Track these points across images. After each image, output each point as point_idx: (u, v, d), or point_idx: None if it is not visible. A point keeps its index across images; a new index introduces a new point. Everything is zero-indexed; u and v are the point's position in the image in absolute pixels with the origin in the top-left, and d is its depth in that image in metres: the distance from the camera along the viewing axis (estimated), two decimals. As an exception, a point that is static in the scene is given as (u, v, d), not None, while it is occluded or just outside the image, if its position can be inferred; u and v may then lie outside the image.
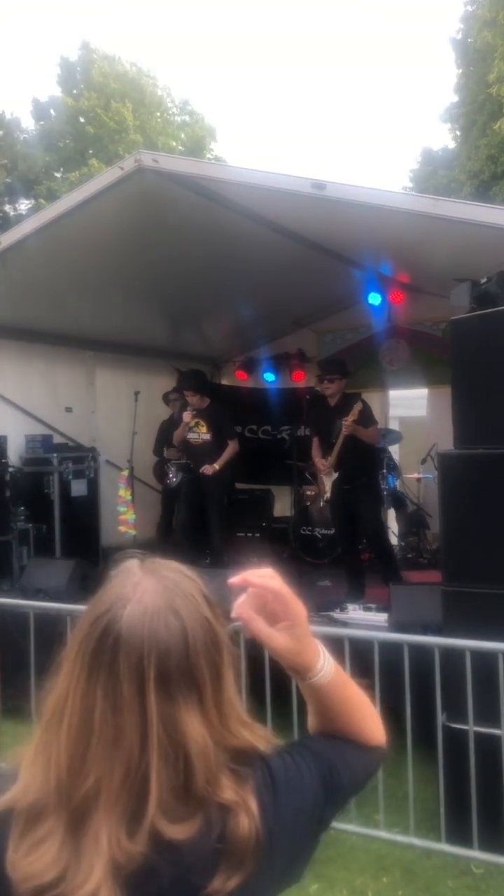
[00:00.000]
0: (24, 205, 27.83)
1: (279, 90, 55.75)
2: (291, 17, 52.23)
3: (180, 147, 28.19)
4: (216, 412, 6.95)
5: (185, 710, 0.89)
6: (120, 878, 0.84)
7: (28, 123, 29.08)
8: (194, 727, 0.89)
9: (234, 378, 10.01)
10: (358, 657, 3.65)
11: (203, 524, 7.17)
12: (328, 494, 6.25)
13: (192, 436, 6.86)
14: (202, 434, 6.86)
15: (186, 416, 6.85)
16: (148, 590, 0.92)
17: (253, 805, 0.92)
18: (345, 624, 5.01)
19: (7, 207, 28.28)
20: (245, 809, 0.90)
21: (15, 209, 28.19)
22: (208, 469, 6.81)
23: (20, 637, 4.59)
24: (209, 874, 0.87)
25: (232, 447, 6.95)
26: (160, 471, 8.09)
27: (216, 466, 6.83)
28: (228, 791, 0.90)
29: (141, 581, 0.93)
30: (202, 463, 6.87)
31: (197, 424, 6.83)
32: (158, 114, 28.72)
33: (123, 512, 7.73)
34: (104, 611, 0.91)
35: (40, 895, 0.84)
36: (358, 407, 5.87)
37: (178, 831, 0.87)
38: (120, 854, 0.84)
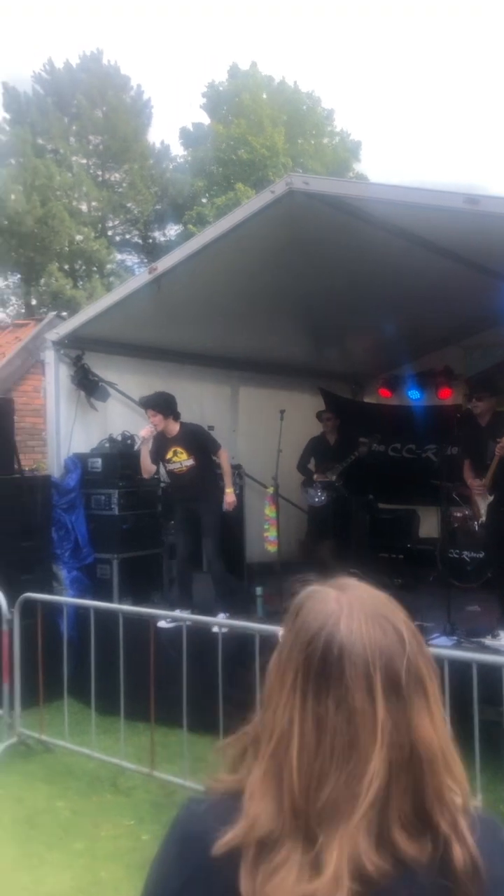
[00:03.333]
0: (172, 230, 28.97)
1: (425, 98, 54.78)
2: (440, 22, 51.33)
3: (323, 169, 28.42)
4: (190, 434, 6.31)
5: (416, 712, 0.90)
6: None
7: (178, 150, 30.33)
8: (425, 729, 0.89)
9: (378, 396, 9.92)
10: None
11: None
12: (483, 517, 6.03)
13: (173, 466, 6.31)
14: (184, 461, 6.25)
15: (144, 432, 6.17)
16: (352, 602, 0.94)
17: (468, 838, 0.89)
18: (497, 651, 4.82)
19: (157, 233, 29.56)
20: (460, 839, 0.88)
21: (164, 234, 29.42)
22: (230, 500, 6.32)
23: (172, 650, 4.74)
24: None
25: (225, 460, 6.36)
26: (306, 489, 8.10)
27: (230, 491, 6.30)
28: (447, 812, 0.90)
29: (339, 597, 0.95)
30: (190, 492, 6.31)
31: (175, 453, 6.25)
32: (301, 140, 29.04)
33: (266, 529, 7.81)
34: (318, 629, 0.92)
35: None
36: (511, 426, 5.65)
37: (414, 849, 0.86)
38: (370, 869, 0.83)
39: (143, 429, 6.25)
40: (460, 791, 0.93)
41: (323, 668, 0.90)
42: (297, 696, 0.91)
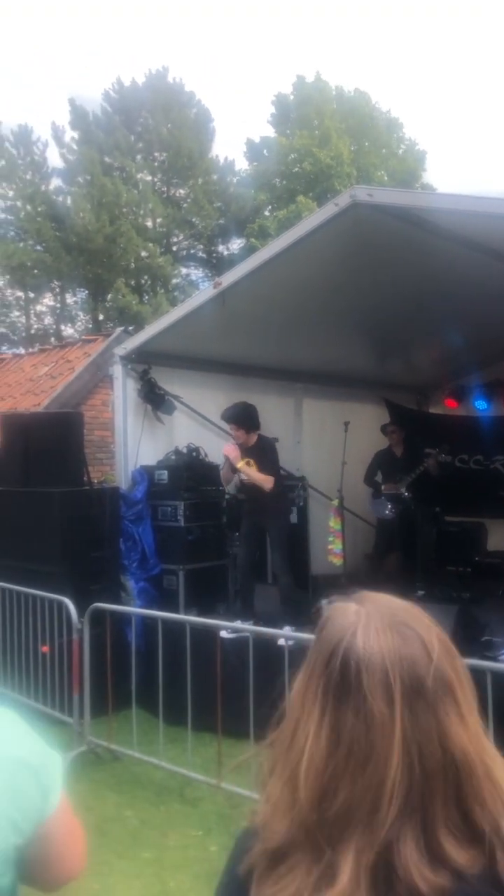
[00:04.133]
0: (236, 244, 29.24)
1: (493, 106, 54.01)
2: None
3: (389, 180, 28.31)
4: (263, 447, 6.27)
5: (446, 719, 0.89)
6: None
7: (242, 164, 30.63)
8: (458, 735, 0.89)
9: (444, 406, 9.78)
10: None
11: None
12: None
13: (244, 476, 6.29)
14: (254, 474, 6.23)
15: (227, 449, 6.23)
16: (370, 613, 0.95)
17: None
18: None
19: (221, 247, 29.88)
20: None
21: (227, 248, 29.71)
22: (227, 448, 6.21)
23: (238, 661, 4.75)
24: None
25: (268, 483, 6.14)
26: (375, 502, 8.03)
27: (243, 464, 6.14)
28: (490, 820, 0.88)
29: (359, 609, 0.96)
30: (259, 502, 6.28)
31: (248, 464, 6.20)
32: (367, 147, 28.96)
33: (331, 542, 7.78)
34: (337, 642, 0.93)
35: None
36: None
37: (466, 859, 0.85)
38: (422, 887, 0.82)
39: (227, 447, 6.29)
40: None
41: (342, 679, 0.90)
42: (316, 708, 0.92)
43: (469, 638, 5.48)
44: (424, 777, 0.86)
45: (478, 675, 3.57)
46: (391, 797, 0.85)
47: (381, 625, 0.93)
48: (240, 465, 6.15)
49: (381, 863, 0.84)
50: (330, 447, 8.23)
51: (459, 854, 0.85)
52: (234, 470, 6.30)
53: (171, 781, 4.80)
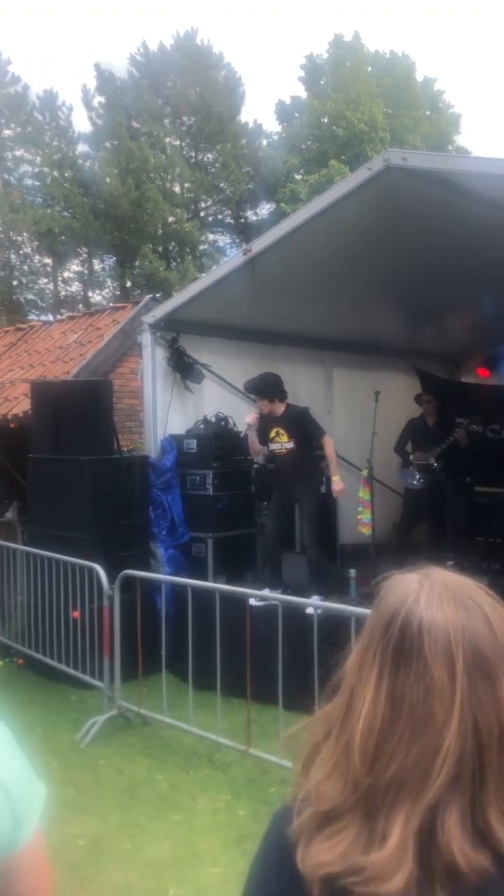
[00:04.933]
0: (265, 209, 28.88)
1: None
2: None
3: (422, 144, 27.69)
4: (294, 416, 6.27)
5: (503, 692, 0.87)
6: (439, 880, 0.82)
7: (272, 127, 30.11)
8: None
9: (476, 375, 9.64)
10: None
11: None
12: None
13: (274, 446, 6.30)
14: (284, 444, 6.23)
15: (250, 419, 6.26)
16: (434, 583, 0.94)
17: None
18: None
19: (249, 213, 29.53)
20: None
21: (256, 214, 29.36)
22: (338, 488, 6.19)
23: (267, 629, 4.78)
24: None
25: (329, 447, 6.24)
26: (404, 472, 7.97)
27: (337, 479, 6.20)
28: None
29: (422, 580, 0.95)
30: (290, 474, 6.27)
31: (277, 434, 6.23)
32: (401, 111, 28.26)
33: (360, 512, 7.75)
34: (397, 607, 0.92)
35: (334, 883, 0.84)
36: None
37: None
38: (462, 864, 0.81)
39: (248, 415, 6.34)
40: None
41: (402, 643, 0.89)
42: (373, 673, 0.91)
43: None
44: (479, 749, 0.85)
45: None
46: (442, 766, 0.84)
47: (445, 594, 0.92)
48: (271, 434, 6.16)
49: (426, 832, 0.84)
50: (360, 417, 8.16)
51: None
52: (264, 442, 6.30)
53: (200, 746, 4.88)
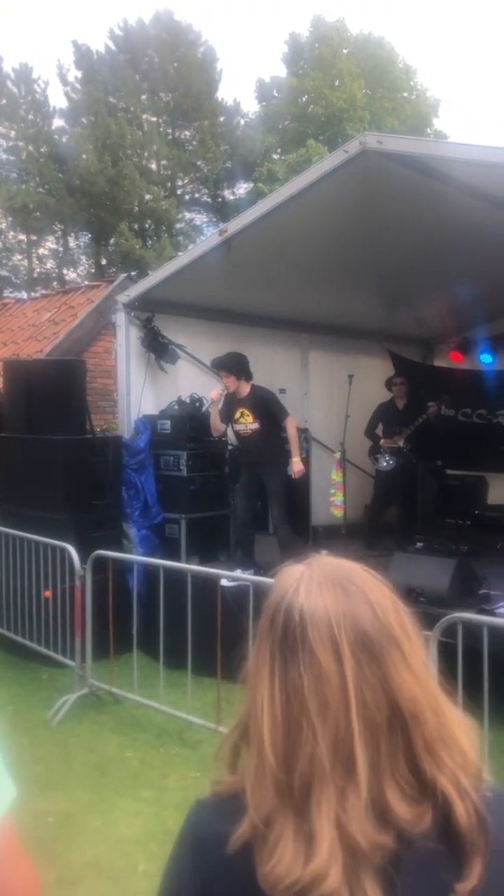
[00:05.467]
0: (242, 188, 28.67)
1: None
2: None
3: (401, 126, 27.59)
4: (259, 397, 6.30)
5: (393, 670, 0.89)
6: (360, 867, 0.82)
7: (250, 106, 29.82)
8: (407, 686, 0.88)
9: (449, 360, 9.73)
10: None
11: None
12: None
13: (239, 427, 6.37)
14: (249, 424, 6.29)
15: (214, 393, 6.32)
16: (314, 571, 0.95)
17: (472, 793, 0.88)
18: None
19: (226, 192, 29.29)
20: (462, 794, 0.87)
21: (233, 193, 29.13)
22: (298, 469, 6.29)
23: (237, 609, 4.82)
24: (452, 871, 0.84)
25: (292, 428, 6.34)
26: (374, 454, 8.05)
27: (297, 460, 6.28)
28: (447, 770, 0.88)
29: (304, 569, 0.96)
30: (255, 455, 6.36)
31: (242, 414, 6.29)
32: (380, 93, 28.12)
33: (333, 494, 7.82)
34: (280, 600, 0.93)
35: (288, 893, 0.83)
36: None
37: (413, 815, 0.85)
38: (363, 843, 0.82)
39: (213, 390, 6.34)
40: (465, 748, 0.91)
41: (285, 636, 0.90)
42: (266, 669, 0.92)
43: (467, 591, 5.55)
44: (378, 731, 0.86)
45: (475, 629, 3.63)
46: (351, 751, 0.85)
47: (324, 581, 0.93)
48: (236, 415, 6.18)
49: (341, 820, 0.84)
50: (334, 400, 8.21)
51: (405, 809, 0.85)
52: (226, 421, 6.32)
53: (170, 725, 4.91)
